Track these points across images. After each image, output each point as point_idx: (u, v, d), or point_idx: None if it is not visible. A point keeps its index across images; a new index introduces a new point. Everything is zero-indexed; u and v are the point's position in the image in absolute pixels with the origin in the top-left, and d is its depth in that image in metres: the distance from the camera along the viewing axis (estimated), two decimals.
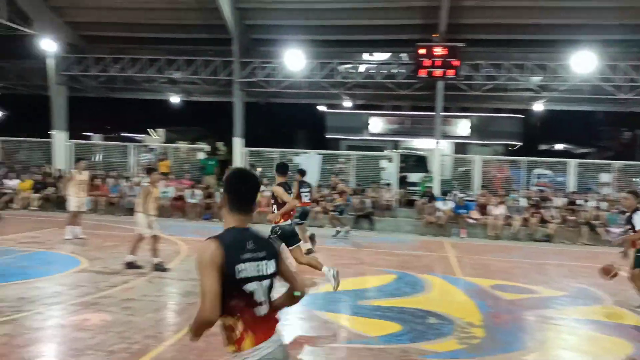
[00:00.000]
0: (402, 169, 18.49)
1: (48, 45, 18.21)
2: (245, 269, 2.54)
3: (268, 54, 19.12)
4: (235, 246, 2.54)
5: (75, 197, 11.62)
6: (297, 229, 9.00)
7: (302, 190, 10.92)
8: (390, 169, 18.03)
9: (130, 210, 16.63)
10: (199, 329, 2.53)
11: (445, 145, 23.64)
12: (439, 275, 9.76)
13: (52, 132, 19.74)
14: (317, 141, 27.72)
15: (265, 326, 2.64)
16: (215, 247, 2.49)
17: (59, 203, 15.88)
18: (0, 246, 9.77)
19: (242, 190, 2.70)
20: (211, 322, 2.47)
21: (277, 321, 2.74)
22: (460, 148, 26.28)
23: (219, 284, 2.46)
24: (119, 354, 5.05)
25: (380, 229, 15.82)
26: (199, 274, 2.46)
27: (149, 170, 9.63)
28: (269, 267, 2.65)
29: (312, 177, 17.84)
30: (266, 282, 2.64)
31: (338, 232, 14.18)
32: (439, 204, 15.80)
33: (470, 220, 15.37)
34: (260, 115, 26.13)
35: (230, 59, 18.57)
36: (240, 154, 18.79)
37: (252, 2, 17.94)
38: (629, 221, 7.53)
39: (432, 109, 18.32)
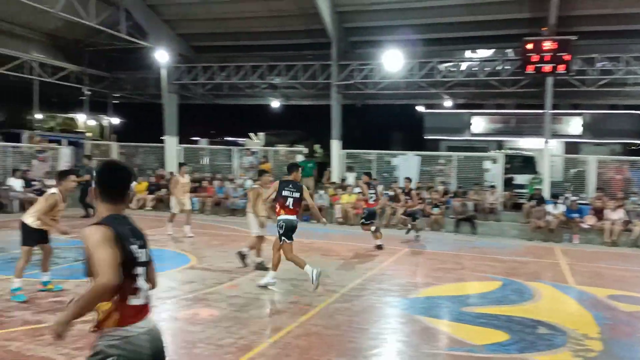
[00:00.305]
0: (507, 171, 17.64)
1: (161, 57, 19.54)
2: (137, 252, 2.68)
3: (366, 56, 19.14)
4: (122, 230, 2.64)
5: (179, 199, 12.45)
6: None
7: (369, 192, 11.75)
8: (494, 171, 17.28)
9: (233, 211, 17.45)
10: (94, 299, 2.54)
11: (555, 145, 22.24)
12: (548, 283, 9.19)
13: (164, 138, 21.14)
14: (415, 142, 27.19)
15: (137, 310, 2.69)
16: (105, 229, 2.57)
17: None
18: None
19: (112, 181, 2.79)
20: (111, 287, 2.49)
21: (149, 308, 2.80)
22: (572, 148, 24.55)
23: (117, 255, 2.53)
24: (227, 348, 5.26)
25: (482, 233, 15.22)
26: (94, 251, 2.51)
27: (260, 172, 9.84)
28: (146, 255, 2.79)
29: (412, 179, 17.56)
30: (144, 269, 2.75)
31: (409, 230, 13.79)
32: (548, 208, 14.89)
33: (584, 226, 14.34)
34: (357, 117, 26.17)
35: (328, 62, 18.82)
36: (337, 156, 18.95)
37: (351, 5, 18.05)
38: None
39: (539, 107, 17.36)
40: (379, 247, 11.71)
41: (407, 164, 18.14)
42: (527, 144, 23.84)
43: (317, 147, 31.62)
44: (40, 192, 15.95)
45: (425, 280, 8.98)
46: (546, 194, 16.00)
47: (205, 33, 20.62)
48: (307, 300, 7.21)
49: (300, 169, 8.55)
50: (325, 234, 14.13)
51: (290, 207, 7.97)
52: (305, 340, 5.61)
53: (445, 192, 16.66)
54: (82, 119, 27.71)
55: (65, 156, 18.91)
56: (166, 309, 6.67)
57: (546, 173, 16.71)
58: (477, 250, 12.69)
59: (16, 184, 15.95)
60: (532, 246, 13.81)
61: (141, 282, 2.73)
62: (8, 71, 19.43)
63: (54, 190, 6.90)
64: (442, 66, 18.42)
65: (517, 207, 16.43)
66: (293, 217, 8.01)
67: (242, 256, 9.15)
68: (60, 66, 21.43)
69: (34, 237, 6.77)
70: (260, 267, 8.98)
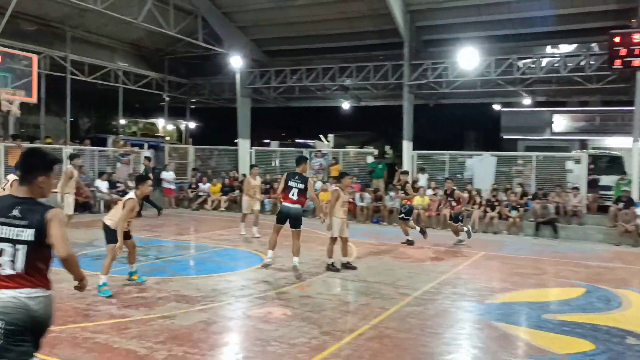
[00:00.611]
0: (591, 171, 16.66)
1: (236, 62, 20.14)
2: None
3: (439, 55, 18.77)
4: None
5: (249, 200, 12.65)
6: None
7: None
8: (577, 171, 16.37)
9: (304, 212, 17.60)
10: None
11: None
12: (638, 290, 8.58)
13: (237, 140, 21.72)
14: (491, 142, 26.37)
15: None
16: None
17: None
18: (197, 243, 10.98)
19: (22, 164, 3.18)
20: None
21: (16, 284, 2.99)
22: None
23: None
24: (300, 347, 5.29)
25: (565, 237, 14.47)
26: None
27: (341, 174, 9.80)
28: (25, 234, 2.99)
29: (487, 180, 17.04)
30: (20, 247, 2.99)
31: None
32: (638, 211, 13.91)
33: None
34: (429, 117, 25.69)
35: (400, 62, 18.62)
36: (409, 157, 18.69)
37: (423, 3, 17.77)
38: None
39: (627, 103, 16.28)
40: (409, 242, 12.34)
41: (482, 165, 17.58)
42: (613, 143, 22.45)
43: (387, 148, 31.36)
44: (124, 193, 16.91)
45: (503, 285, 8.64)
46: (635, 195, 14.96)
47: (278, 37, 21.02)
48: (380, 302, 7.14)
49: (307, 161, 9.51)
50: (397, 236, 13.94)
51: (294, 197, 8.76)
52: (377, 343, 5.55)
53: (524, 194, 15.98)
54: (161, 123, 29.06)
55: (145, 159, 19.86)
56: (240, 307, 6.83)
57: (635, 173, 15.61)
58: (558, 255, 12.05)
59: (102, 185, 16.96)
60: (620, 251, 12.95)
61: (5, 256, 3.01)
62: (96, 79, 20.69)
63: (131, 195, 7.27)
64: (521, 63, 17.71)
65: (602, 210, 15.48)
66: (292, 205, 8.81)
67: (346, 265, 9.22)
68: (142, 74, 22.59)
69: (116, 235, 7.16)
70: (332, 268, 9.00)
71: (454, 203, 12.58)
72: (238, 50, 20.20)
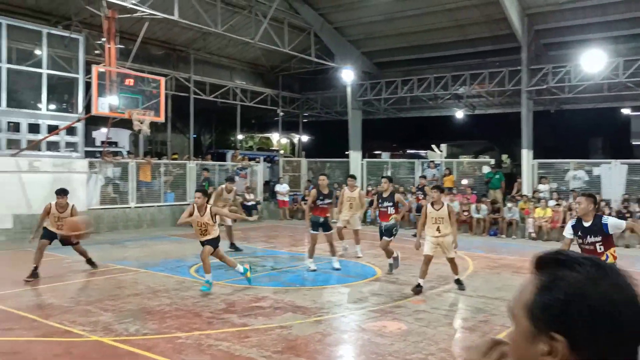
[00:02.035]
0: None
1: (347, 76, 20.46)
2: None
3: (560, 58, 17.66)
4: None
5: (344, 214, 11.69)
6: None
7: None
8: None
9: (416, 224, 17.36)
10: None
11: None
12: None
13: (349, 152, 21.98)
14: (619, 149, 24.24)
15: None
16: None
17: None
18: (316, 256, 11.16)
19: None
20: None
21: None
22: None
23: None
24: None
25: None
26: None
27: (436, 187, 9.27)
28: None
29: (617, 189, 15.71)
30: None
31: None
32: None
33: None
34: (549, 124, 24.20)
35: (517, 68, 17.77)
36: (528, 166, 17.71)
37: (542, 5, 16.84)
38: None
39: None
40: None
41: (610, 173, 16.22)
42: None
43: (504, 157, 30.01)
44: (243, 206, 17.81)
45: None
46: None
47: (388, 49, 21.03)
48: (500, 319, 6.82)
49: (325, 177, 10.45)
50: (517, 250, 13.29)
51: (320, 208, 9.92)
52: None
53: None
54: (276, 137, 30.19)
55: (260, 172, 20.76)
56: (354, 319, 6.86)
57: None
58: None
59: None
60: None
61: None
62: (216, 98, 22.08)
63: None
64: None
65: None
66: (320, 216, 9.95)
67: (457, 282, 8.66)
68: (258, 91, 23.72)
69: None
70: (458, 282, 8.69)
71: (391, 210, 9.89)
72: (349, 63, 20.51)
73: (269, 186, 22.37)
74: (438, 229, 8.41)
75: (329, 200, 10.26)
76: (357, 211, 11.91)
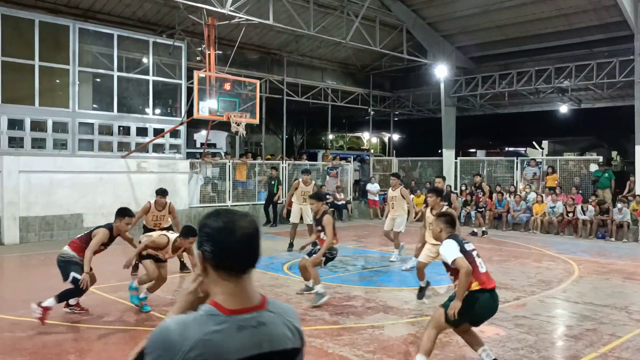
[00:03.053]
0: None
1: (441, 72, 19.94)
2: None
3: None
4: None
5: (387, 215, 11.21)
6: None
7: None
8: None
9: (515, 226, 16.59)
10: None
11: None
12: None
13: (442, 151, 21.43)
14: None
15: None
16: None
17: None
18: (401, 254, 11.02)
19: None
20: None
21: None
22: None
23: None
24: None
25: None
26: None
27: (432, 191, 8.45)
28: None
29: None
30: None
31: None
32: None
33: None
34: None
35: (630, 57, 16.40)
36: None
37: None
38: None
39: None
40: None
41: None
42: None
43: (614, 154, 27.91)
44: (332, 205, 17.94)
45: None
46: None
47: (484, 43, 20.23)
48: (609, 328, 6.32)
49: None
50: (628, 254, 12.30)
51: None
52: None
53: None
54: (366, 136, 30.16)
55: (350, 172, 20.79)
56: None
57: None
58: None
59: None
60: None
61: None
62: (308, 99, 22.44)
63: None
64: None
65: None
66: None
67: None
68: (349, 90, 23.79)
69: None
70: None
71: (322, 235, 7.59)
72: (442, 59, 19.99)
73: (359, 186, 22.35)
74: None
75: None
76: (398, 212, 11.08)
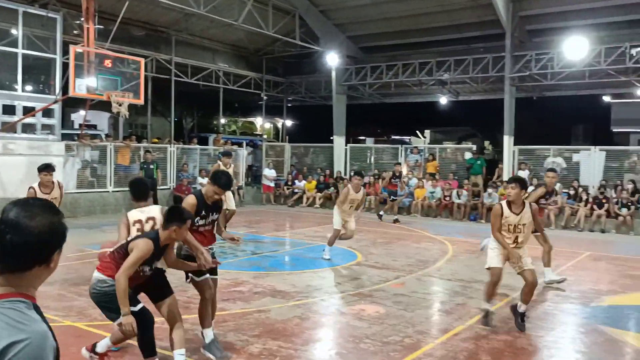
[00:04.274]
0: None
1: (332, 60, 20.28)
2: None
3: (543, 45, 17.71)
4: None
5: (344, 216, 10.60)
6: None
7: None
8: None
9: (399, 209, 17.46)
10: None
11: None
12: None
13: (333, 138, 21.93)
14: (600, 136, 24.57)
15: None
16: None
17: None
18: (292, 239, 11.24)
19: None
20: None
21: None
22: None
23: None
24: (393, 345, 5.25)
25: None
26: None
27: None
28: None
29: (595, 176, 15.96)
30: None
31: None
32: None
33: None
34: (532, 110, 24.40)
35: (501, 54, 17.80)
36: (509, 153, 17.84)
37: None
38: None
39: None
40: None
41: (589, 160, 16.43)
42: None
43: (487, 143, 30.22)
44: None
45: (611, 287, 8.01)
46: None
47: (374, 33, 20.90)
48: (476, 302, 6.88)
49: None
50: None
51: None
52: (473, 344, 5.38)
53: (636, 191, 14.73)
54: (259, 122, 30.03)
55: (242, 157, 20.64)
56: (333, 303, 6.89)
57: None
58: None
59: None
60: None
61: None
62: (198, 81, 21.81)
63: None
64: (634, 51, 16.23)
65: None
66: None
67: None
68: (242, 74, 23.45)
69: None
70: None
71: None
72: (334, 47, 20.35)
73: (251, 171, 22.26)
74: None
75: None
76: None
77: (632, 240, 13.19)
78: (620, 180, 15.67)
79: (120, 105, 12.21)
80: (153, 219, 4.67)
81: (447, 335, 5.63)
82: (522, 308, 5.91)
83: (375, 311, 6.41)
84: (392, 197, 16.61)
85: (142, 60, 13.55)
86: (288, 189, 20.15)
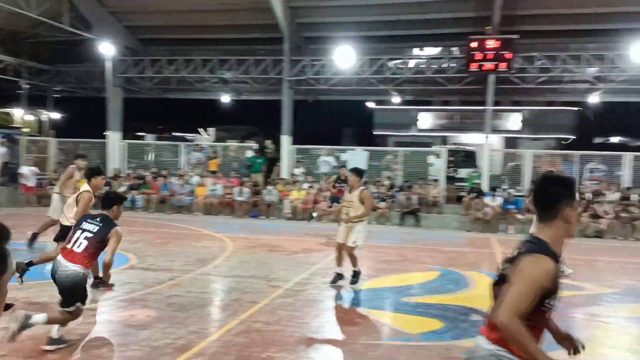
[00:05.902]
0: (450, 165, 18.14)
1: (106, 49, 18.86)
2: None
3: (318, 52, 19.13)
4: None
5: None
6: None
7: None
8: (438, 165, 17.70)
9: (179, 208, 17.14)
10: None
11: (496, 140, 23.07)
12: (484, 272, 9.49)
13: (107, 133, 20.48)
14: (365, 138, 27.59)
15: None
16: None
17: None
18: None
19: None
20: None
21: None
22: (511, 143, 25.54)
23: None
24: (163, 349, 5.16)
25: (426, 225, 15.61)
26: None
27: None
28: None
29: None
30: None
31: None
32: (487, 200, 15.41)
33: (519, 216, 14.83)
34: (308, 112, 26.25)
35: (280, 57, 18.71)
36: (287, 152, 18.94)
37: (303, 0, 18.02)
38: None
39: (482, 103, 17.88)
40: None
41: (355, 159, 18.32)
42: (469, 139, 24.57)
43: (268, 142, 31.47)
44: None
45: (369, 272, 9.08)
46: (485, 187, 16.55)
47: (154, 25, 20.08)
48: (251, 296, 7.19)
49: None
50: (274, 229, 14.15)
51: None
52: (245, 337, 5.58)
53: (392, 187, 16.95)
54: (18, 113, 26.48)
55: None
56: (101, 311, 6.46)
57: (485, 167, 17.30)
58: (420, 242, 13.00)
59: None
60: (471, 237, 14.24)
61: None
62: None
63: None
64: (391, 63, 18.62)
65: (459, 200, 16.90)
66: None
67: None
68: None
69: None
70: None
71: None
72: (109, 36, 18.98)
73: (7, 169, 19.49)
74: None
75: None
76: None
77: (387, 229, 15.08)
78: (379, 177, 17.82)
79: None
80: None
81: (220, 331, 5.74)
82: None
83: (146, 315, 6.21)
84: (334, 203, 14.37)
85: None
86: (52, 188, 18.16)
